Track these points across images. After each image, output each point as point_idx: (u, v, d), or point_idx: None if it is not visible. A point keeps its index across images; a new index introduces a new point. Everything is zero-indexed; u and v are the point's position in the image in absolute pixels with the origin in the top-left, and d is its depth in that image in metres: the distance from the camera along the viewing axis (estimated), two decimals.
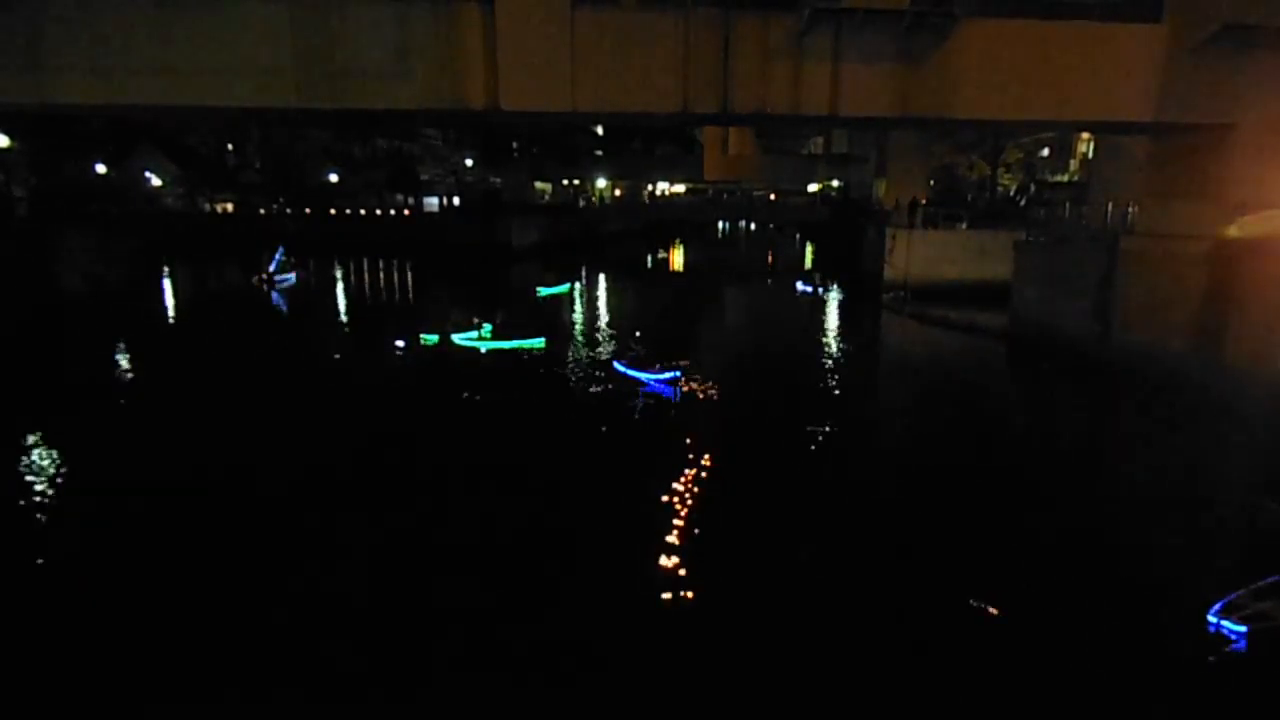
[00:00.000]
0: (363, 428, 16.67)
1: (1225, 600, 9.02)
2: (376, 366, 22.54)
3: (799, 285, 40.15)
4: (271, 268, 38.64)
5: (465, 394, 19.07)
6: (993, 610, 9.27)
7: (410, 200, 71.39)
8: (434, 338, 23.96)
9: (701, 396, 18.70)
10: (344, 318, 32.60)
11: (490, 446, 15.39)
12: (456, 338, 23.99)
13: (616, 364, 21.47)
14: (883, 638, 8.84)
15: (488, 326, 24.22)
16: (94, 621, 9.12)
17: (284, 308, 34.93)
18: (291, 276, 39.70)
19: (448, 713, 7.76)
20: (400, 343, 23.80)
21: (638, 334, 21.72)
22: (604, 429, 16.66)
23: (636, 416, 17.56)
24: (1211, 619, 8.98)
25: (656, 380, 19.70)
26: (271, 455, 14.71)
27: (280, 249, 39.91)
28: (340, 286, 43.18)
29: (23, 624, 9.14)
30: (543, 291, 36.49)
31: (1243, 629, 8.71)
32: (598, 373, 21.35)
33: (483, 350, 23.56)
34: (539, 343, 24.16)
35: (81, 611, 9.34)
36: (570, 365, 22.42)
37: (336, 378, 21.48)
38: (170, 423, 16.81)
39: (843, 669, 8.28)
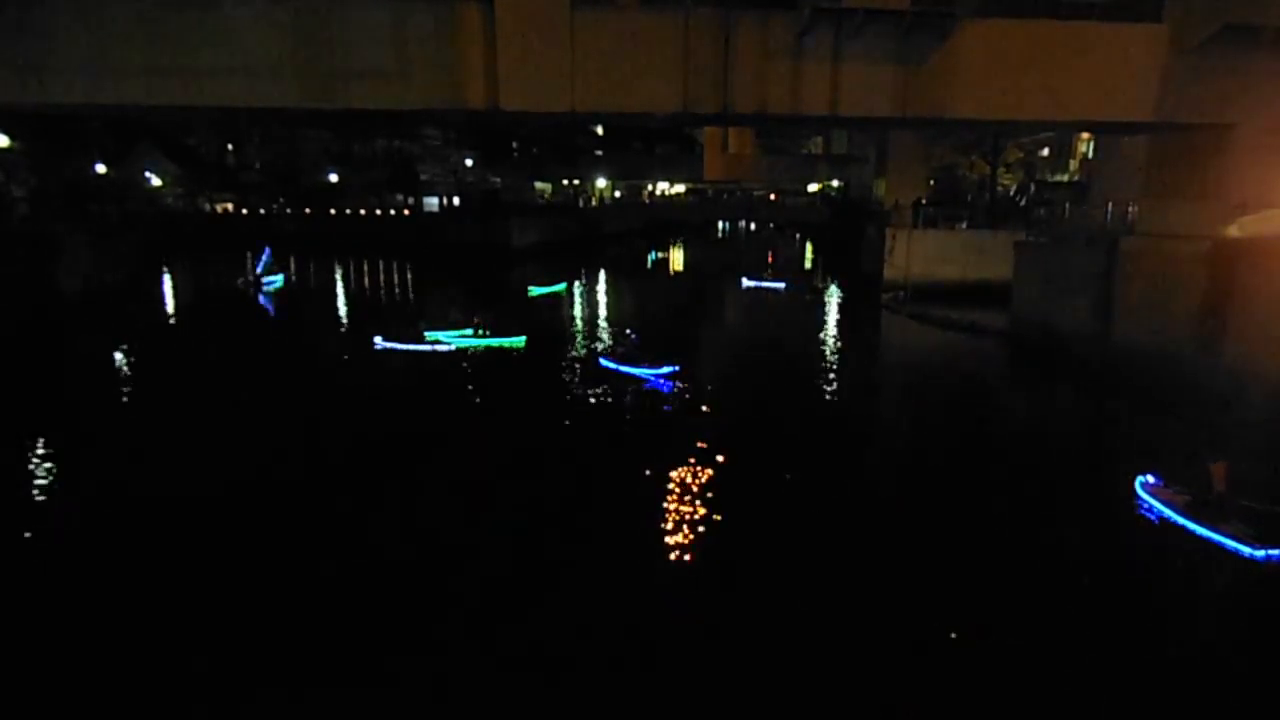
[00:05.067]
0: (337, 429, 16.60)
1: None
2: (354, 367, 22.38)
3: (745, 280, 39.32)
4: (259, 269, 38.43)
5: (443, 393, 19.05)
6: (986, 613, 9.28)
7: (410, 200, 71.47)
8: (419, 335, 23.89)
9: (696, 394, 18.69)
10: (328, 318, 32.22)
11: (471, 447, 15.37)
12: (442, 335, 23.82)
13: (603, 360, 21.38)
14: (878, 639, 8.84)
15: (482, 326, 24.21)
16: (89, 622, 9.13)
17: (270, 309, 34.69)
18: (279, 278, 39.47)
19: (446, 711, 7.76)
20: (380, 340, 23.65)
21: (629, 331, 21.64)
22: (589, 426, 16.67)
23: (627, 413, 17.56)
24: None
25: (655, 375, 19.68)
26: (257, 457, 14.67)
27: (267, 250, 39.63)
28: (328, 287, 43.04)
29: (21, 624, 9.15)
30: (534, 291, 36.37)
31: None
32: (583, 370, 21.29)
33: (454, 348, 23.37)
34: (519, 341, 24.06)
35: (76, 612, 9.35)
36: (555, 363, 22.32)
37: (315, 378, 21.38)
38: (160, 426, 16.78)
39: (837, 668, 8.30)
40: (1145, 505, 12.10)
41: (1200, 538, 10.99)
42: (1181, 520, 11.37)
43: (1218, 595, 10.30)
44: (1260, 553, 10.32)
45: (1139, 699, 7.95)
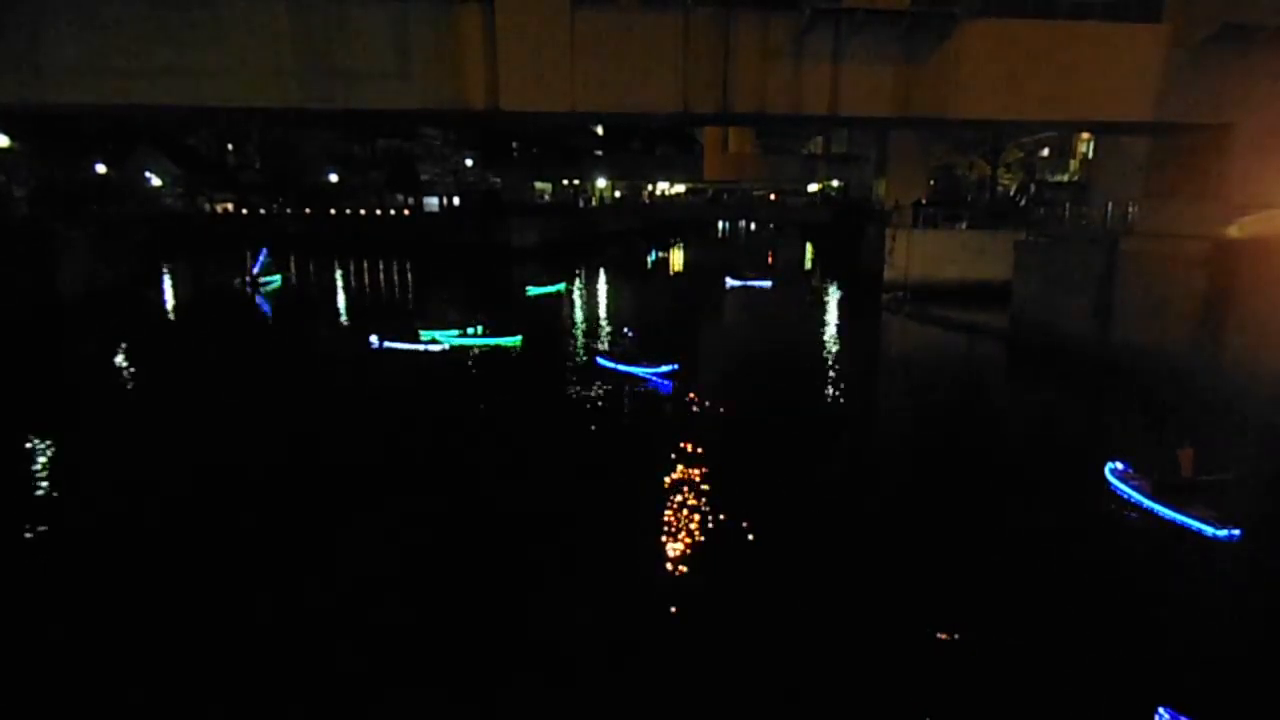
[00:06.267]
0: (331, 428, 16.62)
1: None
2: (349, 366, 22.38)
3: (729, 280, 39.34)
4: (255, 270, 38.39)
5: (437, 392, 19.09)
6: (982, 618, 9.30)
7: (410, 200, 71.46)
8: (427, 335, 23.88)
9: (695, 393, 18.67)
10: (325, 318, 32.27)
11: (466, 445, 15.38)
12: (437, 334, 23.78)
13: (601, 359, 21.37)
14: (871, 624, 8.88)
15: (479, 326, 24.21)
16: (87, 621, 9.13)
17: (267, 309, 34.61)
18: (277, 278, 39.40)
19: (442, 711, 7.76)
20: (375, 339, 23.65)
21: (627, 330, 21.64)
22: (587, 425, 16.68)
23: (625, 411, 17.56)
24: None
25: (654, 374, 19.66)
26: (251, 457, 14.69)
27: (264, 251, 39.49)
28: (326, 287, 42.99)
29: (20, 624, 9.14)
30: (532, 291, 36.36)
31: None
32: (581, 368, 21.28)
33: (448, 347, 23.32)
34: (516, 340, 24.02)
35: (75, 611, 9.35)
36: (552, 362, 22.34)
37: (309, 377, 21.39)
38: (155, 426, 16.79)
39: (835, 658, 8.30)
40: (1115, 490, 12.79)
41: (1167, 519, 11.71)
42: (1148, 503, 12.12)
43: (1185, 571, 10.73)
44: (1222, 532, 11.06)
45: (1106, 662, 8.17)
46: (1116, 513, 12.24)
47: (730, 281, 39.31)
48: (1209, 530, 11.14)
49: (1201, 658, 8.60)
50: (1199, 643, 8.93)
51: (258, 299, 36.11)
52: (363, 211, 64.75)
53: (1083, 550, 11.12)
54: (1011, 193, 54.20)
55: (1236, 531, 10.98)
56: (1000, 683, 8.06)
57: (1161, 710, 7.38)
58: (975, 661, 8.39)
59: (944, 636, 8.77)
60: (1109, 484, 12.93)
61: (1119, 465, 13.08)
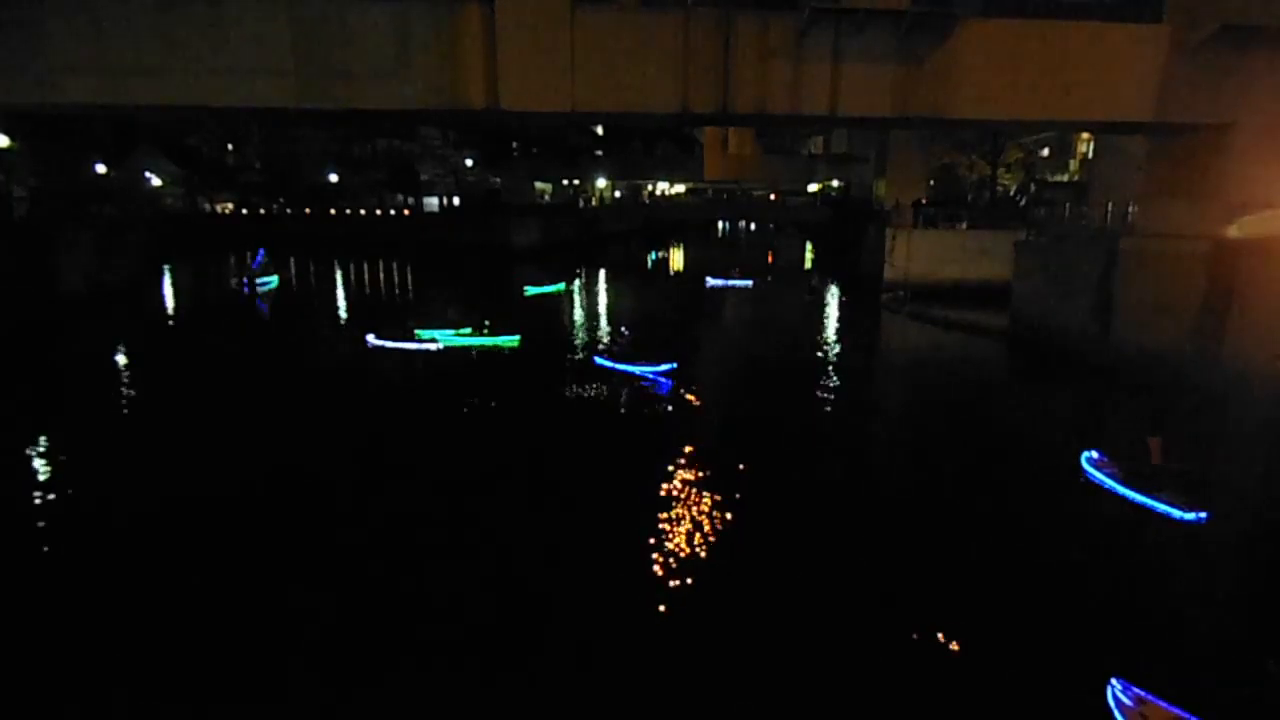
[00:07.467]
0: (325, 428, 16.56)
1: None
2: (344, 365, 22.36)
3: (710, 280, 39.36)
4: (254, 269, 38.30)
5: (432, 392, 19.13)
6: (981, 622, 9.31)
7: (410, 200, 71.51)
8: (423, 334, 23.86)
9: (693, 392, 18.66)
10: (322, 318, 32.18)
11: (466, 447, 15.35)
12: (434, 334, 23.73)
13: (598, 359, 21.37)
14: (874, 646, 8.86)
15: (474, 325, 24.17)
16: (88, 623, 9.14)
17: (264, 310, 34.51)
18: (274, 279, 39.35)
19: (440, 711, 7.76)
20: (372, 339, 23.62)
21: (624, 329, 21.63)
22: (583, 424, 16.72)
23: (623, 410, 17.56)
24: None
25: (654, 373, 19.66)
26: (245, 457, 14.66)
27: (262, 251, 39.39)
28: (325, 287, 42.98)
29: (19, 627, 9.15)
30: (530, 290, 36.39)
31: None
32: (579, 368, 21.28)
33: (443, 346, 23.28)
34: (513, 340, 23.99)
35: (75, 613, 9.36)
36: (550, 361, 22.31)
37: (304, 377, 21.35)
38: (151, 427, 16.77)
39: (834, 661, 8.31)
40: (1090, 477, 13.32)
41: (1139, 504, 12.31)
42: (1121, 490, 12.72)
43: (1151, 551, 11.32)
44: (1189, 515, 11.64)
45: (1072, 636, 8.68)
46: (1090, 499, 12.67)
47: (711, 281, 39.34)
48: (1176, 513, 11.71)
49: (1161, 629, 8.99)
50: (1160, 615, 9.36)
51: (256, 299, 36.10)
52: (363, 211, 64.78)
53: (1057, 534, 11.58)
54: (1011, 193, 54.24)
55: (1203, 514, 11.52)
56: (971, 657, 8.37)
57: (1114, 680, 7.50)
58: (951, 638, 8.65)
59: (927, 615, 9.02)
60: (1084, 472, 13.44)
61: (1094, 454, 13.60)
